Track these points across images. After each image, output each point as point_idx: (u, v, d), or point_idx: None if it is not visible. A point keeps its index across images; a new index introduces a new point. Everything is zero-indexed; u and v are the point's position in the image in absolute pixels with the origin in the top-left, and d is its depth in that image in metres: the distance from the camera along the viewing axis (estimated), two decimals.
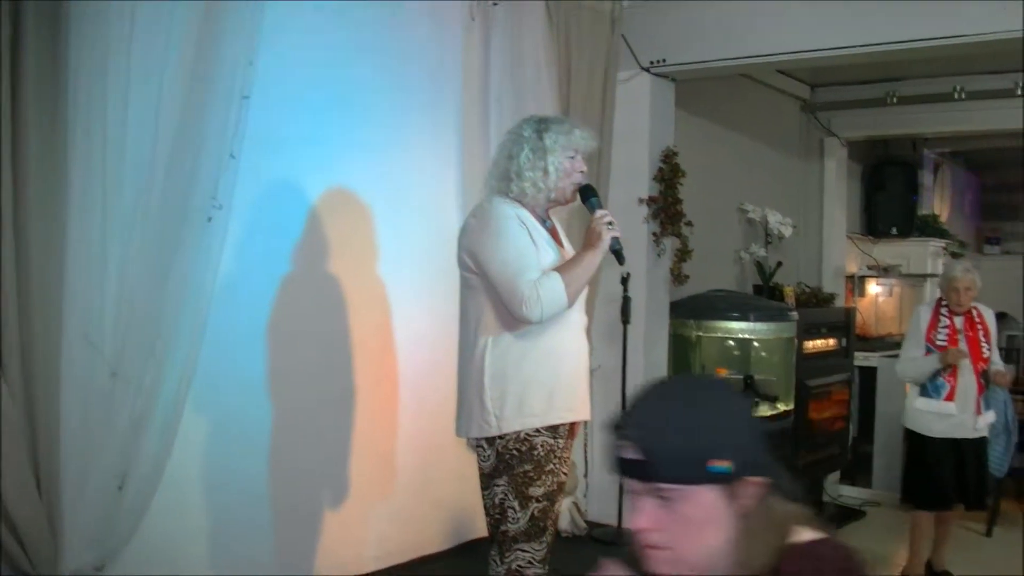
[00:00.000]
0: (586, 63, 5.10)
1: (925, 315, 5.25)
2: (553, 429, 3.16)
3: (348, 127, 4.29)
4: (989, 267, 11.19)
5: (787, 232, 6.67)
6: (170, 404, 3.33)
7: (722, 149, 6.71)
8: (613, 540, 5.15)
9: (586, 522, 5.29)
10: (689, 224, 5.53)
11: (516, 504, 3.11)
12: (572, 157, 3.26)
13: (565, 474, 3.27)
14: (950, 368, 5.02)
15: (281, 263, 4.10)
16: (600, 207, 3.29)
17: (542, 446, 3.13)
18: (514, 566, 3.13)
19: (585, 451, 5.54)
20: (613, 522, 5.28)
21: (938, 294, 5.38)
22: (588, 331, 3.49)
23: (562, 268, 3.13)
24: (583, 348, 3.33)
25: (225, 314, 3.76)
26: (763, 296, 6.54)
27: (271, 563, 4.08)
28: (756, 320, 5.76)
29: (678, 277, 5.58)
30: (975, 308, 5.17)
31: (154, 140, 3.22)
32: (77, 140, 3.04)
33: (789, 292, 6.56)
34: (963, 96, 6.88)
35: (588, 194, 3.33)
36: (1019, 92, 6.63)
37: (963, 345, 5.05)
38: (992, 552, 6.08)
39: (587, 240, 3.21)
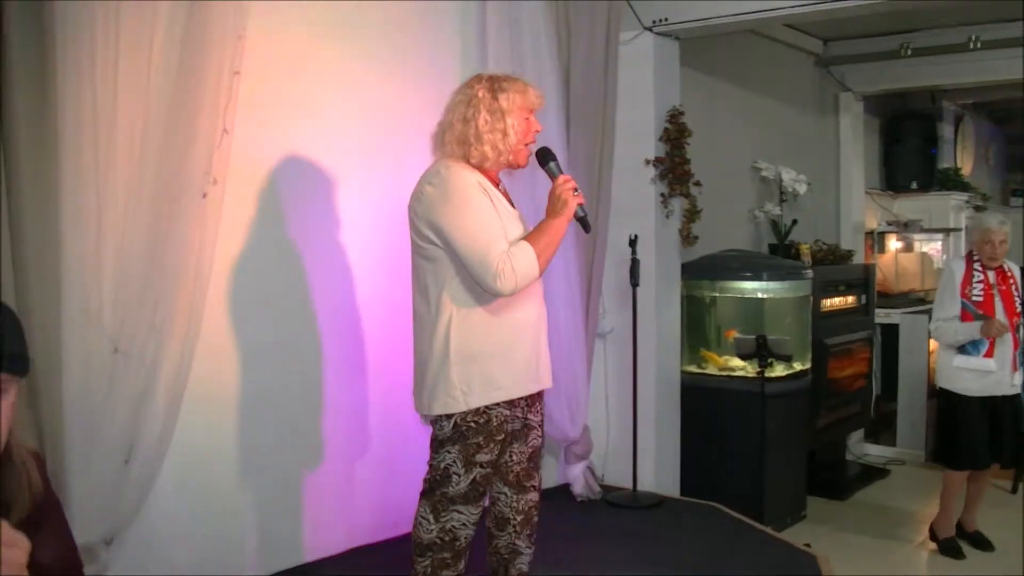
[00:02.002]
0: (586, 24, 5.05)
1: (958, 272, 5.18)
2: (510, 400, 3.14)
3: (342, 98, 4.28)
4: (1015, 220, 11.10)
5: (802, 189, 6.60)
6: (172, 378, 3.35)
7: (735, 108, 6.66)
8: (628, 503, 5.14)
9: (600, 486, 5.28)
10: (698, 184, 5.49)
11: (462, 470, 3.09)
12: (527, 118, 3.18)
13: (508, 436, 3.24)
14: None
15: (280, 235, 4.10)
16: (560, 171, 3.22)
17: (496, 417, 3.11)
18: (448, 526, 3.12)
19: (607, 415, 5.55)
20: (628, 485, 5.27)
21: (962, 248, 5.32)
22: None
23: (531, 238, 3.08)
24: (543, 315, 3.28)
25: (225, 287, 3.79)
26: (778, 255, 6.50)
27: (281, 534, 4.12)
28: (769, 279, 5.73)
29: (687, 238, 5.53)
30: (1004, 262, 5.14)
31: (146, 115, 3.20)
32: (67, 116, 3.01)
33: (805, 250, 6.51)
34: (979, 46, 6.77)
35: (547, 158, 3.25)
36: None
37: (998, 300, 5.04)
38: (1018, 509, 6.05)
39: (551, 207, 3.15)
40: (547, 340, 3.31)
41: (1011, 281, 5.09)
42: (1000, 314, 5.00)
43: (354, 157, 4.30)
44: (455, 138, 3.13)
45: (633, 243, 5.12)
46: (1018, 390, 5.11)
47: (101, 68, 3.07)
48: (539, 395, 3.32)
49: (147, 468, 3.34)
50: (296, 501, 4.16)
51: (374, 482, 4.42)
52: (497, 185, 3.20)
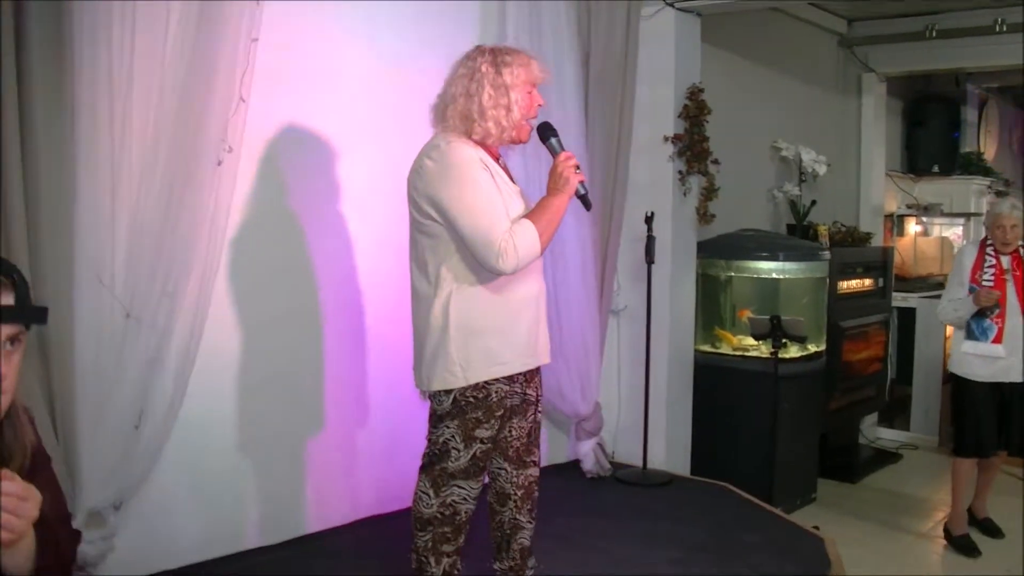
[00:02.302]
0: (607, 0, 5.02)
1: (970, 255, 5.16)
2: (510, 376, 3.12)
3: (362, 67, 4.26)
4: None
5: (821, 170, 6.56)
6: (183, 344, 3.36)
7: (756, 86, 6.61)
8: (638, 481, 5.15)
9: (610, 463, 5.28)
10: (716, 162, 5.45)
11: (461, 445, 3.08)
12: (530, 92, 3.14)
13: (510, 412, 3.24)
14: (997, 310, 4.96)
15: (309, 204, 4.11)
16: (562, 148, 3.19)
17: (496, 392, 3.08)
18: (448, 500, 3.11)
19: (619, 392, 5.55)
20: (638, 463, 5.27)
21: (983, 233, 5.27)
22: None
23: (533, 216, 3.05)
24: (543, 291, 3.25)
25: (238, 254, 3.79)
26: (796, 235, 6.47)
27: (288, 500, 4.15)
28: (785, 259, 5.70)
29: (704, 216, 5.50)
30: (1022, 247, 5.08)
31: (162, 82, 3.20)
32: (83, 82, 3.02)
33: (823, 231, 6.49)
34: (1004, 29, 6.69)
35: (548, 133, 3.21)
36: None
37: (1011, 286, 4.98)
38: None
39: (552, 184, 3.11)
40: (546, 316, 3.29)
41: None
42: (1012, 299, 4.94)
43: (365, 129, 4.27)
44: (458, 113, 3.07)
45: (649, 220, 5.09)
46: None
47: (118, 34, 3.07)
48: (537, 371, 3.30)
49: (157, 434, 3.36)
50: (299, 472, 4.18)
51: (375, 455, 4.42)
52: (497, 160, 3.16)
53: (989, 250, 5.07)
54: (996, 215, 5.07)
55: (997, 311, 4.97)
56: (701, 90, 5.39)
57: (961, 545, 5.12)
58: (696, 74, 5.47)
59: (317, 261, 4.17)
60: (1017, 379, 4.99)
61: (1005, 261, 5.03)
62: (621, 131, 5.14)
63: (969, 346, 5.06)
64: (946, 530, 5.28)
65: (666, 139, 5.34)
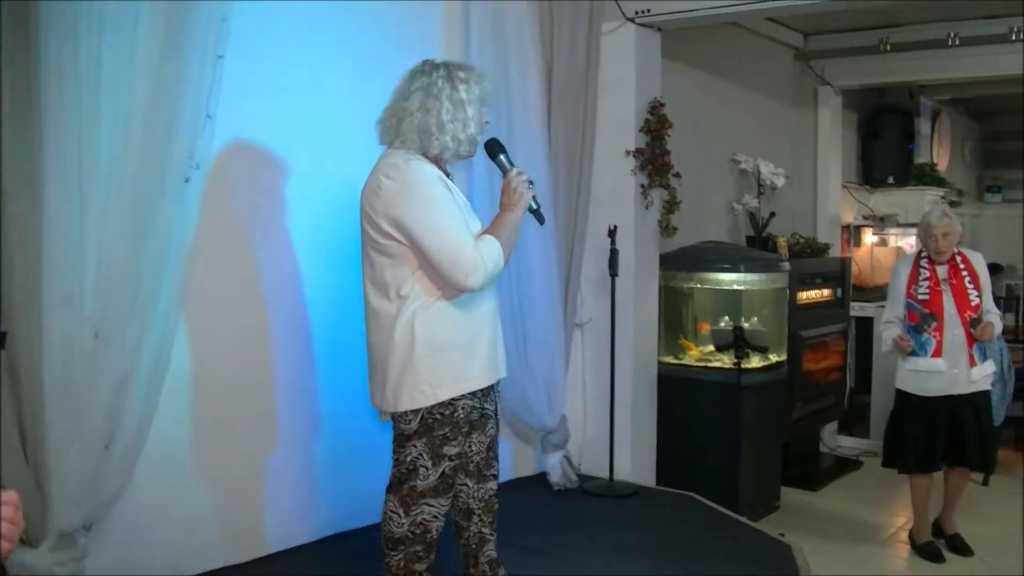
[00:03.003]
0: (569, 15, 5.08)
1: (904, 271, 5.13)
2: (473, 391, 3.14)
3: (327, 83, 4.27)
4: (991, 216, 11.22)
5: (779, 182, 6.65)
6: (153, 363, 3.35)
7: (715, 100, 6.68)
8: (605, 492, 5.18)
9: (577, 475, 5.31)
10: (677, 176, 5.51)
11: (429, 463, 3.08)
12: (480, 109, 3.16)
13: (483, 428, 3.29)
14: (935, 323, 4.89)
15: (263, 222, 4.10)
16: (512, 163, 3.22)
17: (463, 408, 3.11)
18: (419, 519, 3.12)
19: (584, 404, 5.59)
20: (605, 475, 5.30)
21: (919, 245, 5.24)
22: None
23: (494, 232, 3.08)
24: (498, 305, 3.28)
25: (205, 272, 3.78)
26: (756, 247, 6.54)
27: (259, 518, 4.14)
28: (746, 271, 5.77)
29: (666, 229, 5.56)
30: (960, 254, 5.03)
31: (129, 100, 3.19)
32: (50, 99, 3.01)
33: (782, 243, 6.57)
34: (957, 42, 6.85)
35: (497, 150, 3.24)
36: (1013, 37, 6.60)
37: (948, 296, 4.92)
38: (990, 502, 6.14)
39: (506, 200, 3.15)
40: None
41: (964, 274, 4.97)
42: (950, 309, 4.90)
43: (314, 144, 4.24)
44: (415, 127, 3.07)
45: (612, 233, 5.14)
46: (979, 387, 4.99)
47: (85, 52, 3.07)
48: (494, 385, 3.32)
49: (127, 454, 3.34)
50: (260, 490, 4.16)
51: (333, 470, 4.40)
52: (449, 178, 3.17)
53: (924, 262, 5.03)
54: (927, 225, 5.02)
55: (935, 324, 4.89)
56: (662, 104, 5.45)
57: (926, 552, 5.13)
58: (657, 88, 5.53)
59: (267, 277, 4.15)
60: (965, 391, 4.94)
61: (942, 271, 4.98)
62: (583, 145, 5.19)
63: (910, 363, 5.00)
64: (911, 538, 5.31)
65: (628, 153, 5.39)
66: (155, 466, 3.63)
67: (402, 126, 3.10)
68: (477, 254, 2.97)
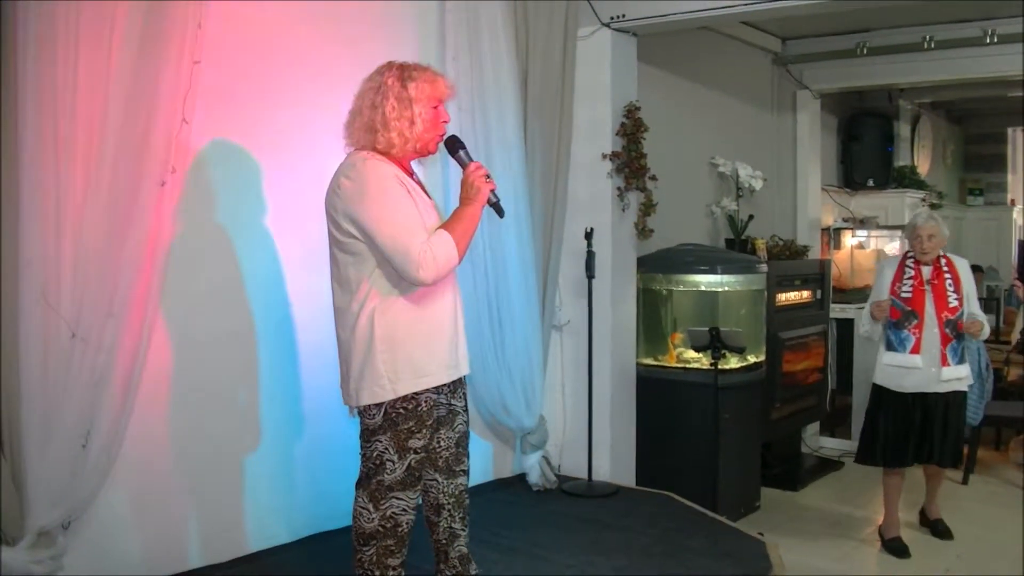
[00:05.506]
0: (544, 21, 5.13)
1: (889, 269, 5.30)
2: (436, 386, 3.20)
3: (300, 90, 4.31)
4: (972, 218, 11.31)
5: (757, 185, 6.71)
6: (129, 364, 3.39)
7: (692, 104, 6.74)
8: (584, 492, 5.22)
9: (556, 475, 5.36)
10: (654, 179, 5.56)
11: (395, 457, 3.13)
12: (436, 107, 3.21)
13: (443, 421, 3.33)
14: (915, 320, 5.04)
15: (238, 222, 4.13)
16: (471, 159, 3.28)
17: (426, 402, 3.16)
18: (388, 513, 3.16)
19: (563, 406, 5.63)
20: (584, 475, 5.35)
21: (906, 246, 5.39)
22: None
23: (448, 227, 3.13)
24: (459, 301, 3.33)
25: (182, 273, 3.81)
26: (734, 249, 6.59)
27: (239, 518, 4.17)
28: (724, 273, 5.82)
29: (642, 231, 5.61)
30: (944, 257, 5.18)
31: (105, 104, 3.24)
32: (27, 104, 3.05)
33: (761, 245, 6.62)
34: (932, 45, 6.92)
35: (456, 147, 3.29)
36: (988, 41, 6.67)
37: (929, 295, 5.07)
38: (969, 500, 6.21)
39: (464, 194, 3.20)
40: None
41: (946, 276, 5.11)
42: (930, 308, 5.05)
43: (293, 145, 4.29)
44: (363, 125, 3.16)
45: (589, 236, 5.20)
46: (953, 387, 5.11)
47: (62, 57, 3.11)
48: (461, 381, 3.37)
49: (104, 453, 3.37)
50: (238, 490, 4.18)
51: (312, 470, 4.43)
52: (411, 175, 3.24)
53: (909, 262, 5.20)
54: (913, 227, 5.22)
55: (915, 321, 5.05)
56: (638, 108, 5.51)
57: (892, 548, 5.26)
58: (633, 92, 5.59)
59: (249, 278, 4.18)
60: (937, 389, 5.08)
61: (926, 272, 5.14)
62: (560, 149, 5.25)
63: (888, 357, 5.17)
64: (879, 533, 5.42)
65: (604, 156, 5.45)
66: (133, 465, 3.67)
67: (355, 124, 3.20)
68: (428, 248, 3.02)
